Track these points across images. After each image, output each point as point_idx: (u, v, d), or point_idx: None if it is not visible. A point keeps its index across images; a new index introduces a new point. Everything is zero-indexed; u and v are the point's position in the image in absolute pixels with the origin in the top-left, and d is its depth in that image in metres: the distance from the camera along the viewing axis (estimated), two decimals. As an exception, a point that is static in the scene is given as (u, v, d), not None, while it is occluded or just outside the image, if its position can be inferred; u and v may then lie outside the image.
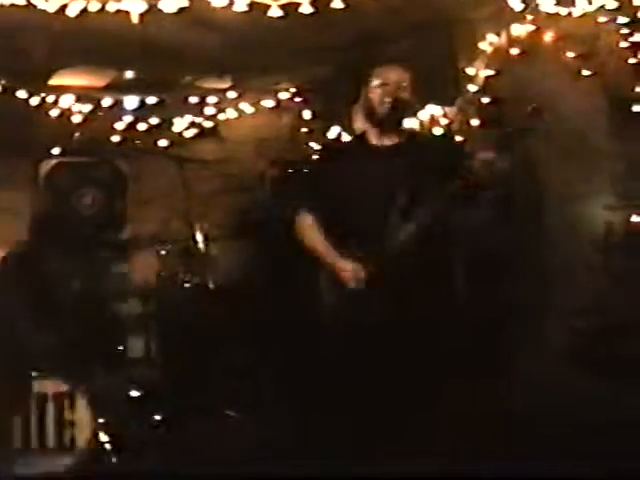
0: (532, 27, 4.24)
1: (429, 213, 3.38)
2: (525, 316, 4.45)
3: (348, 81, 5.35)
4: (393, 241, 3.42)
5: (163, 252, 5.15)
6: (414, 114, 4.09)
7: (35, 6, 3.97)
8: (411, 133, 3.69)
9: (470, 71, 4.63)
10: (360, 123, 5.05)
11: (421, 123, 4.87)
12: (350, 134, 5.47)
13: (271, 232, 5.52)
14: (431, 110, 4.90)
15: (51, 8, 3.98)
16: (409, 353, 3.39)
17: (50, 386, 4.14)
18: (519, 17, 4.25)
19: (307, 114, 5.94)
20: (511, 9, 4.17)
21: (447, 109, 4.88)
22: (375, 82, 3.51)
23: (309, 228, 3.63)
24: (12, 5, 3.94)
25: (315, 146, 5.70)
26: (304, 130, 5.92)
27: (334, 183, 3.57)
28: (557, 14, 4.11)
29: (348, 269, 3.45)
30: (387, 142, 3.56)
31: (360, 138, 3.66)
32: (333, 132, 5.65)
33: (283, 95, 5.90)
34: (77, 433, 4.10)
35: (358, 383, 3.45)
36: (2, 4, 3.90)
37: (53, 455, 4.05)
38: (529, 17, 4.22)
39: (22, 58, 4.81)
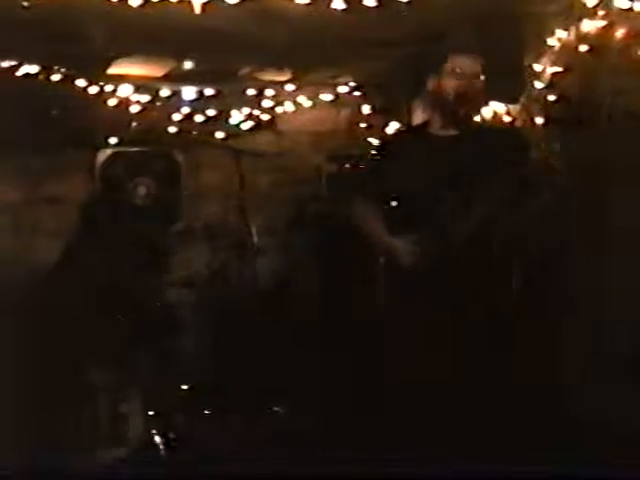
0: (603, 23, 4.10)
1: (488, 206, 3.34)
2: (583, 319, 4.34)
3: (410, 76, 5.32)
4: (450, 230, 3.39)
5: (217, 244, 5.13)
6: (477, 110, 4.01)
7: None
8: (477, 124, 3.66)
9: (537, 67, 4.52)
10: (420, 119, 4.98)
11: (483, 119, 4.78)
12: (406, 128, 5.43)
13: (327, 226, 5.49)
14: (494, 107, 4.80)
15: (115, -3, 3.97)
16: (459, 347, 3.36)
17: (102, 379, 4.17)
18: (590, 12, 4.12)
19: (366, 108, 5.89)
20: (583, 4, 4.05)
21: (511, 106, 4.77)
22: (448, 70, 3.45)
23: (367, 214, 3.63)
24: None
25: (373, 141, 5.65)
26: (362, 125, 5.87)
27: (395, 171, 3.55)
28: (630, 9, 3.97)
29: (404, 251, 3.43)
30: (452, 132, 3.53)
31: (423, 127, 3.64)
32: (392, 127, 5.58)
33: (342, 89, 5.85)
34: (128, 426, 4.13)
35: (411, 376, 3.42)
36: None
37: (104, 447, 4.08)
38: (600, 12, 4.09)
39: (82, 46, 4.81)
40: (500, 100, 4.72)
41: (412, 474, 3.14)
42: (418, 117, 5.17)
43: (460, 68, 3.50)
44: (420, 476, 3.15)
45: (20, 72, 5.07)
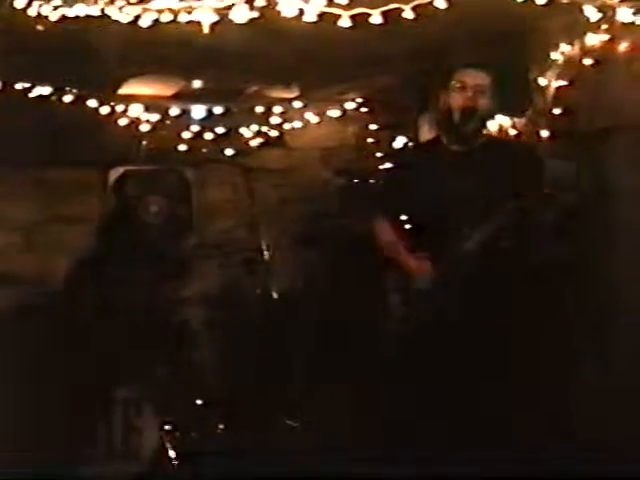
0: (607, 37, 4.16)
1: (497, 222, 3.38)
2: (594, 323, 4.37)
3: (416, 91, 5.38)
4: (460, 246, 3.43)
5: (228, 261, 5.17)
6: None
7: (109, 17, 4.03)
8: (485, 139, 3.68)
9: (542, 81, 4.57)
10: (428, 133, 5.03)
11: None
12: (416, 144, 5.49)
13: (336, 241, 5.53)
14: (500, 120, 4.85)
15: (125, 19, 4.03)
16: (470, 356, 3.41)
17: (117, 392, 4.21)
18: (594, 27, 4.18)
19: (373, 124, 5.94)
20: (586, 19, 4.10)
21: (516, 120, 4.82)
22: (455, 86, 3.50)
23: (384, 230, 3.68)
24: (87, 16, 4.00)
25: (380, 155, 5.70)
26: (370, 140, 5.92)
27: (407, 187, 3.59)
28: (633, 23, 4.03)
29: (416, 266, 3.48)
30: (460, 148, 3.56)
31: (432, 143, 3.68)
32: (399, 142, 5.64)
33: (349, 105, 5.90)
34: (143, 440, 4.16)
35: (423, 387, 3.48)
36: (78, 15, 3.96)
37: (119, 461, 4.12)
38: (604, 26, 4.14)
39: (93, 67, 4.88)
40: (506, 114, 4.76)
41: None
42: (425, 133, 5.23)
43: (465, 82, 3.52)
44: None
45: (33, 94, 5.15)
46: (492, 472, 3.19)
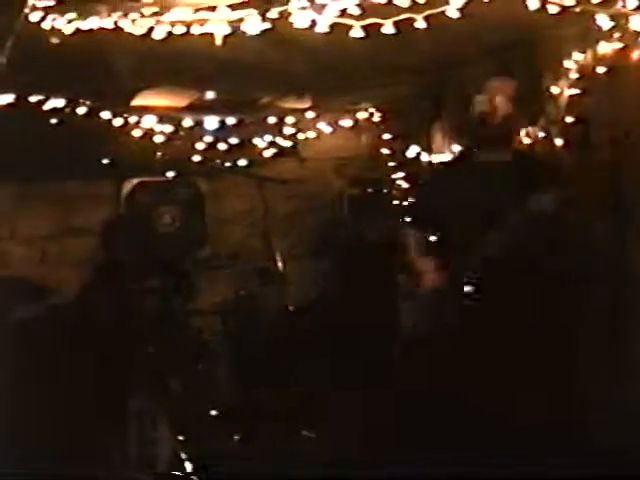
0: (619, 45, 4.15)
1: (514, 230, 3.39)
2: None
3: (429, 101, 5.39)
4: (479, 253, 3.44)
5: (242, 271, 5.19)
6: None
7: (122, 29, 4.04)
8: (510, 149, 3.70)
9: (554, 90, 4.57)
10: (440, 141, 5.03)
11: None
12: (429, 153, 5.49)
13: (350, 251, 5.53)
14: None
15: (138, 31, 4.05)
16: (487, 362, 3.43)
17: (131, 404, 4.22)
18: (606, 35, 4.17)
19: (386, 134, 5.95)
20: (599, 27, 4.10)
21: (530, 129, 4.82)
22: (477, 97, 3.53)
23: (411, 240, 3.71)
24: (100, 29, 4.02)
25: (393, 164, 5.72)
26: (383, 149, 5.93)
27: (431, 198, 3.60)
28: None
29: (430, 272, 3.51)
30: (484, 157, 3.58)
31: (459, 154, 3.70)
32: (412, 151, 5.64)
33: (361, 115, 5.91)
34: (158, 451, 4.17)
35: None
36: (92, 28, 3.98)
37: (134, 472, 4.13)
38: (616, 35, 4.14)
39: (107, 80, 4.91)
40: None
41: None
42: (438, 142, 5.24)
43: (487, 92, 3.54)
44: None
45: (47, 106, 5.18)
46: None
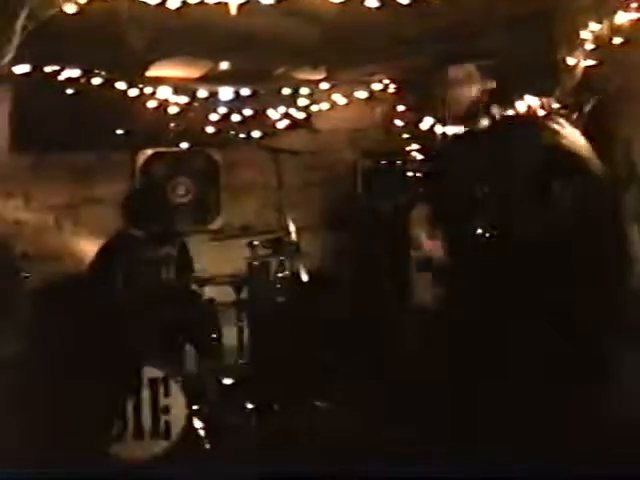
0: (637, 15, 4.12)
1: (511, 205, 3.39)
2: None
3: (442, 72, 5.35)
4: (472, 228, 3.45)
5: (255, 242, 5.19)
6: (511, 104, 4.04)
7: (137, -1, 4.05)
8: (497, 122, 3.70)
9: (570, 61, 4.54)
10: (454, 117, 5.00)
11: (517, 113, 4.80)
12: (443, 125, 5.47)
13: (362, 222, 5.54)
14: (528, 100, 4.81)
15: (153, 1, 4.05)
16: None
17: (145, 373, 4.25)
18: (623, 5, 4.14)
19: (400, 105, 5.92)
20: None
21: (545, 100, 4.79)
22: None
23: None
24: (116, -1, 4.03)
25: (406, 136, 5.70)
26: (397, 121, 5.90)
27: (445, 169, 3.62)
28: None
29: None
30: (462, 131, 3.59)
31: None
32: (426, 123, 5.62)
33: (376, 86, 5.88)
34: (172, 419, 4.21)
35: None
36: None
37: (149, 440, 4.17)
38: (633, 5, 4.10)
39: (121, 50, 4.90)
40: (534, 94, 4.73)
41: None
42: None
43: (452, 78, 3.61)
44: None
45: (62, 76, 5.18)
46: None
